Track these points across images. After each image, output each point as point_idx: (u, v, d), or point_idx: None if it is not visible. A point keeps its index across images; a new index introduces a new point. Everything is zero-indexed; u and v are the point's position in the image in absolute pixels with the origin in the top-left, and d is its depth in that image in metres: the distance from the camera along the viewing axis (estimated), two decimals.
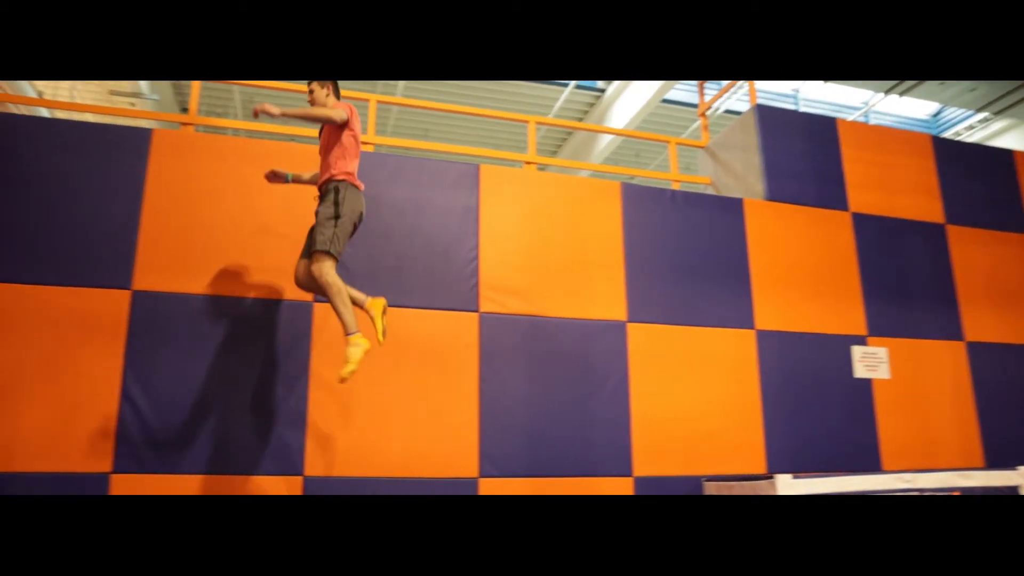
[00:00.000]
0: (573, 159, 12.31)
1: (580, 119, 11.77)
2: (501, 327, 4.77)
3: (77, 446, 3.89)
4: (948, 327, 5.72)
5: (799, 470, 4.87)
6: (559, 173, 7.36)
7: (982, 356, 5.72)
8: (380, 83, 10.68)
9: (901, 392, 5.42)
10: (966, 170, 6.25)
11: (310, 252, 3.84)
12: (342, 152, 3.90)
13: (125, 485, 3.89)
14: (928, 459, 5.29)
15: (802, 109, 11.11)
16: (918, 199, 6.02)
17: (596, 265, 5.07)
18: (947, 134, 11.83)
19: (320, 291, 3.80)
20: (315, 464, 4.22)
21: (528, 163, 5.61)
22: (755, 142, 5.74)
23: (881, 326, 5.53)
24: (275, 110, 3.60)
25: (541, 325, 4.84)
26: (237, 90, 10.85)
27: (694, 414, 4.93)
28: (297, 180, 4.25)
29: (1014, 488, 4.39)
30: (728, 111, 10.87)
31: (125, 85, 9.39)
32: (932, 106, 11.96)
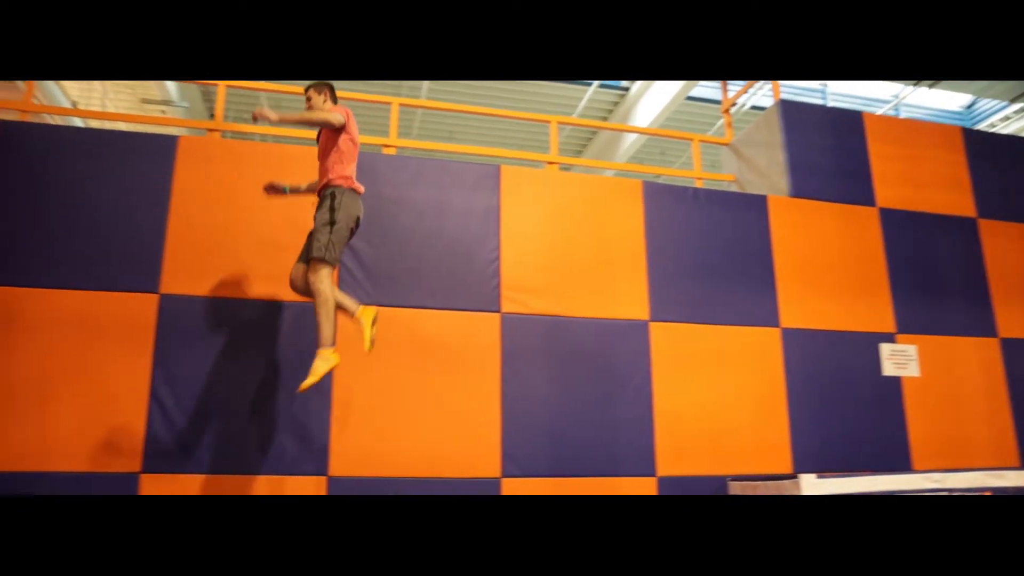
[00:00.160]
0: (598, 159, 12.27)
1: (605, 118, 11.73)
2: (523, 327, 4.77)
3: (107, 446, 3.98)
4: (981, 323, 5.60)
5: (826, 470, 4.81)
6: (581, 173, 7.35)
7: (1017, 353, 5.59)
8: (405, 86, 10.75)
9: (932, 390, 5.32)
10: (999, 162, 6.12)
11: (307, 257, 3.83)
12: (339, 156, 3.90)
13: (154, 485, 3.98)
14: (961, 459, 5.18)
15: (830, 103, 10.95)
16: (948, 193, 5.90)
17: (618, 264, 5.06)
18: (981, 126, 11.57)
19: (312, 297, 3.78)
20: (339, 464, 4.27)
21: (550, 163, 5.61)
22: (779, 138, 5.67)
23: (910, 323, 5.43)
24: (273, 115, 3.61)
25: (563, 325, 4.84)
26: (264, 96, 10.99)
27: (718, 413, 4.89)
28: (295, 191, 4.24)
29: None
30: (754, 107, 10.75)
31: (156, 93, 9.58)
32: (965, 98, 11.71)
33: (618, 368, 4.82)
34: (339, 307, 3.80)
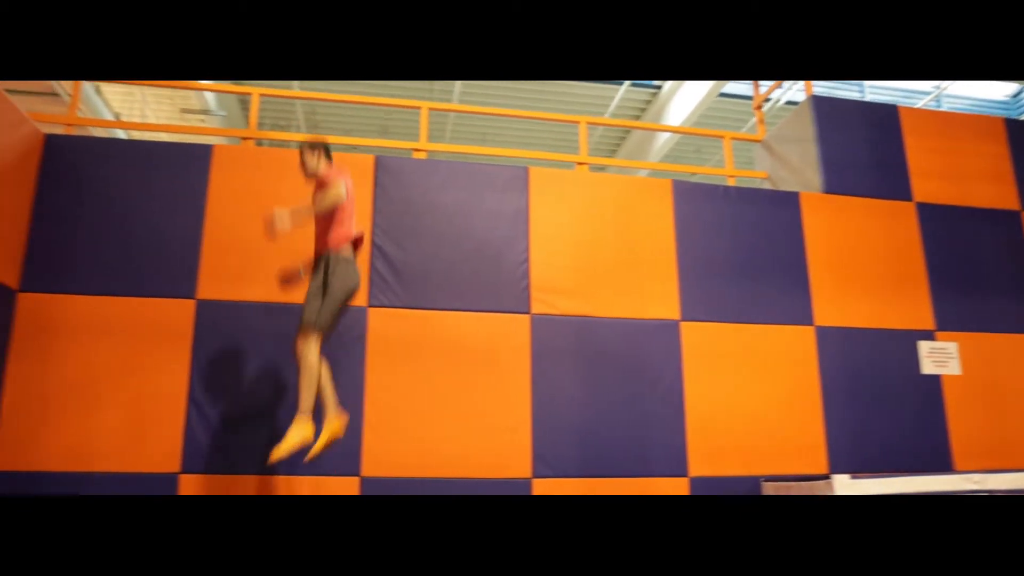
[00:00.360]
0: (632, 158, 12.20)
1: (637, 117, 11.66)
2: (552, 328, 4.79)
3: (148, 448, 4.11)
4: None
5: (864, 470, 4.72)
6: (611, 173, 7.33)
7: None
8: (437, 89, 10.83)
9: (974, 389, 5.18)
10: None
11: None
12: (336, 221, 3.78)
13: (193, 485, 4.08)
14: (1005, 459, 5.04)
15: (868, 97, 10.74)
16: (990, 185, 5.74)
17: (648, 264, 5.04)
18: None
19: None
20: (372, 465, 4.33)
21: (580, 164, 5.61)
22: (811, 134, 5.59)
23: (950, 320, 5.30)
24: (286, 221, 3.60)
25: (593, 325, 4.84)
26: (299, 103, 11.18)
27: (751, 413, 4.84)
28: (308, 269, 4.08)
29: None
30: (789, 102, 10.58)
31: (195, 103, 9.80)
32: (1010, 86, 11.37)
33: (649, 368, 4.81)
34: (320, 391, 3.71)
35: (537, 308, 4.82)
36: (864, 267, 5.29)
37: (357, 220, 4.72)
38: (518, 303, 4.81)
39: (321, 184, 3.82)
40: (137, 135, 8.20)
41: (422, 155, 5.32)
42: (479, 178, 5.05)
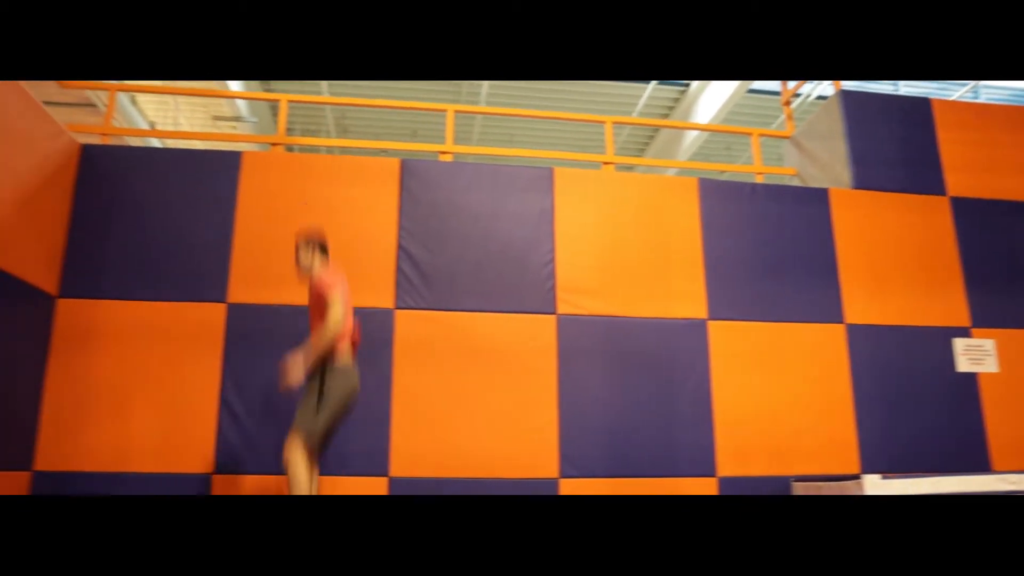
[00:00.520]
0: (660, 157, 12.14)
1: (665, 115, 11.60)
2: (579, 328, 4.79)
3: (182, 449, 4.20)
4: None
5: (897, 470, 4.64)
6: (636, 172, 7.29)
7: None
8: (464, 91, 10.89)
9: (1012, 386, 5.06)
10: None
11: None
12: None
13: (225, 485, 4.17)
14: None
15: (901, 90, 10.54)
16: None
17: (674, 263, 5.01)
18: None
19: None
20: (400, 465, 4.37)
21: (606, 163, 5.60)
22: (840, 129, 5.51)
23: (987, 316, 5.18)
24: (299, 371, 3.52)
25: (619, 325, 4.83)
26: (329, 109, 11.32)
27: (781, 412, 4.78)
28: None
29: None
30: (819, 97, 10.44)
31: (226, 110, 9.98)
32: None
33: (676, 368, 4.78)
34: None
35: (563, 308, 4.82)
36: (896, 263, 5.20)
37: (383, 224, 4.79)
38: (544, 304, 4.82)
39: (315, 290, 3.70)
40: (171, 143, 8.39)
41: (448, 158, 5.36)
42: (504, 179, 5.07)
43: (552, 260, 4.91)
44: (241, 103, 10.07)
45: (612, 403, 4.66)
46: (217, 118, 10.16)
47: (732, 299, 4.97)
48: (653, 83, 10.64)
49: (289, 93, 10.26)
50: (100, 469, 4.11)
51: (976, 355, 5.06)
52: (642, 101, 11.00)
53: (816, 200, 5.28)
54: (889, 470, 4.63)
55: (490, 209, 4.97)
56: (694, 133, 10.83)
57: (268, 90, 10.40)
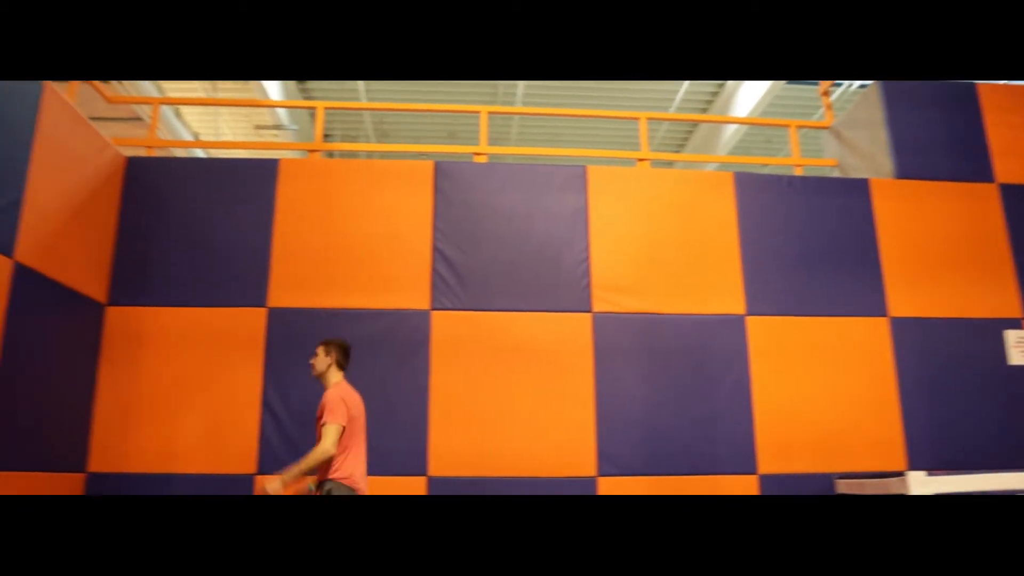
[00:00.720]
0: (700, 152, 11.98)
1: (704, 110, 11.45)
2: (615, 326, 4.77)
3: (226, 450, 4.31)
4: None
5: (946, 467, 4.50)
6: (670, 168, 7.22)
7: None
8: (501, 91, 10.92)
9: None
10: None
11: None
12: (341, 448, 3.60)
13: None
14: None
15: None
16: None
17: (711, 259, 4.95)
18: None
19: None
20: (438, 465, 4.41)
21: (641, 160, 5.56)
22: (881, 117, 5.37)
23: None
24: (276, 486, 3.51)
25: (655, 322, 4.80)
26: (368, 114, 11.46)
27: (824, 408, 4.69)
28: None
29: None
30: (861, 85, 10.19)
31: (268, 119, 10.19)
32: None
33: (714, 364, 4.73)
34: None
35: (599, 307, 4.81)
36: (942, 254, 5.05)
37: (418, 226, 4.83)
38: (579, 302, 4.81)
39: (321, 406, 3.66)
40: (214, 152, 8.61)
41: (483, 159, 5.39)
42: (537, 179, 5.08)
43: (587, 258, 4.90)
44: (282, 111, 10.27)
45: (650, 400, 4.63)
46: (259, 127, 10.38)
47: (771, 294, 4.89)
48: None
49: (326, 100, 10.42)
50: (149, 470, 4.24)
51: None
52: (679, 96, 10.88)
53: (856, 191, 5.16)
54: (937, 467, 4.50)
55: (524, 209, 4.98)
56: (733, 127, 10.67)
57: (307, 98, 10.58)
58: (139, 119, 7.28)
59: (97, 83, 5.25)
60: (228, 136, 10.22)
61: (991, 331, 4.92)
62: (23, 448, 3.72)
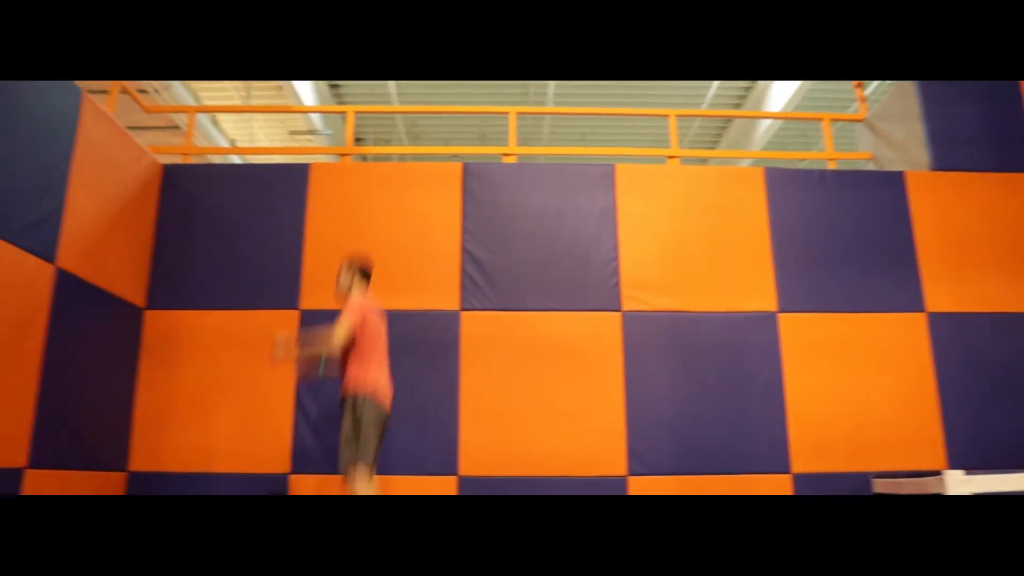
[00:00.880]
0: (734, 148, 11.85)
1: (737, 105, 11.31)
2: (644, 325, 4.75)
3: (260, 450, 4.40)
4: None
5: (988, 467, 4.39)
6: (699, 165, 7.16)
7: None
8: (531, 91, 10.93)
9: None
10: None
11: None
12: (356, 359, 3.73)
13: (301, 485, 4.34)
14: None
15: None
16: None
17: (741, 255, 4.90)
18: None
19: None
20: (469, 464, 4.44)
21: (671, 157, 5.52)
22: (916, 108, 5.25)
23: None
24: (282, 351, 3.68)
25: (686, 320, 4.76)
26: (400, 117, 11.57)
27: (859, 406, 4.60)
28: (328, 376, 4.05)
29: None
30: None
31: (302, 124, 10.35)
32: None
33: (746, 362, 4.68)
34: None
35: (628, 305, 4.79)
36: (982, 247, 4.92)
37: (446, 227, 4.87)
38: (608, 301, 4.80)
39: (343, 311, 3.77)
40: (249, 158, 8.77)
41: (512, 159, 5.41)
42: (565, 179, 5.08)
43: (615, 257, 4.88)
44: (315, 116, 10.43)
45: (680, 399, 4.60)
46: (293, 132, 10.55)
47: (803, 290, 4.82)
48: None
49: (357, 104, 10.55)
50: (186, 470, 4.35)
51: None
52: (711, 92, 10.77)
53: (891, 184, 5.05)
54: (979, 466, 4.38)
55: (552, 209, 4.99)
56: (767, 122, 10.53)
57: (340, 102, 10.73)
58: (176, 127, 7.45)
59: (135, 93, 5.40)
60: (264, 142, 10.40)
61: None
62: (68, 448, 3.85)
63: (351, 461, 3.59)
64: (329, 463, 4.38)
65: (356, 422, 3.62)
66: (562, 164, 5.19)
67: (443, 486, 4.41)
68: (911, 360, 4.69)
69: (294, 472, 4.38)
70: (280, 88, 9.35)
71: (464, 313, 4.73)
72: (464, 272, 4.81)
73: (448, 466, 4.44)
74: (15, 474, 3.45)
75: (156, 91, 7.64)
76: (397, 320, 4.65)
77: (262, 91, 9.55)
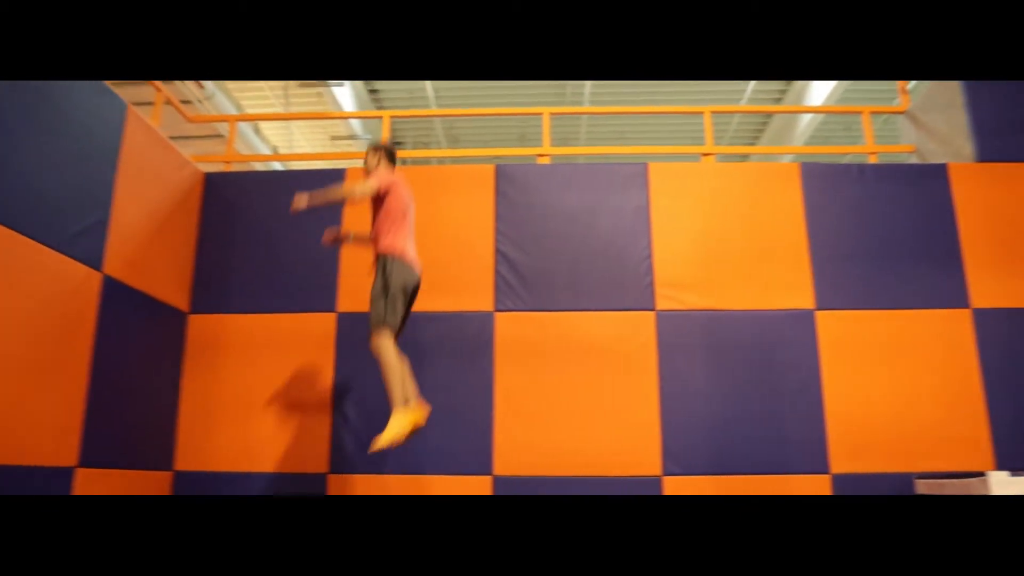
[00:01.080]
0: (775, 143, 11.66)
1: (778, 100, 11.13)
2: (679, 324, 4.72)
3: (300, 449, 4.50)
4: None
5: None
6: (733, 162, 7.07)
7: None
8: (568, 91, 10.92)
9: None
10: None
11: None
12: (387, 225, 3.87)
13: (339, 484, 4.43)
14: None
15: None
16: None
17: (777, 253, 4.83)
18: None
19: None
20: (503, 464, 4.47)
21: (706, 155, 5.48)
22: (959, 97, 5.11)
23: None
24: (303, 201, 3.81)
25: (720, 319, 4.72)
26: (438, 120, 11.68)
27: (901, 405, 4.49)
28: (359, 239, 4.26)
29: None
30: None
31: (342, 130, 10.52)
32: None
33: (783, 361, 4.61)
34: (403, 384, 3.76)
35: (662, 304, 4.76)
36: None
37: (480, 229, 4.91)
38: (642, 300, 4.78)
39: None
40: (290, 164, 8.95)
41: (546, 160, 5.43)
42: (598, 178, 5.07)
43: (649, 256, 4.86)
44: (355, 122, 10.58)
45: (716, 398, 4.56)
46: (334, 138, 10.73)
47: (841, 288, 4.73)
48: None
49: (395, 109, 10.67)
50: (230, 469, 4.47)
51: None
52: (750, 87, 10.62)
53: (933, 177, 4.93)
54: None
55: (585, 208, 4.99)
56: (808, 117, 10.34)
57: (379, 106, 10.87)
58: (220, 136, 7.65)
59: (179, 104, 5.56)
60: (305, 148, 10.60)
61: None
62: (117, 448, 3.99)
63: (379, 319, 3.70)
64: (366, 461, 4.45)
65: (386, 282, 3.75)
66: (595, 164, 5.18)
67: (478, 486, 4.44)
68: (956, 358, 4.57)
69: (332, 472, 4.47)
70: (320, 94, 9.52)
71: (498, 314, 4.77)
72: (497, 273, 4.84)
73: (483, 466, 4.48)
74: (67, 472, 3.60)
75: (199, 101, 7.86)
76: (431, 322, 4.72)
77: (302, 97, 9.74)
